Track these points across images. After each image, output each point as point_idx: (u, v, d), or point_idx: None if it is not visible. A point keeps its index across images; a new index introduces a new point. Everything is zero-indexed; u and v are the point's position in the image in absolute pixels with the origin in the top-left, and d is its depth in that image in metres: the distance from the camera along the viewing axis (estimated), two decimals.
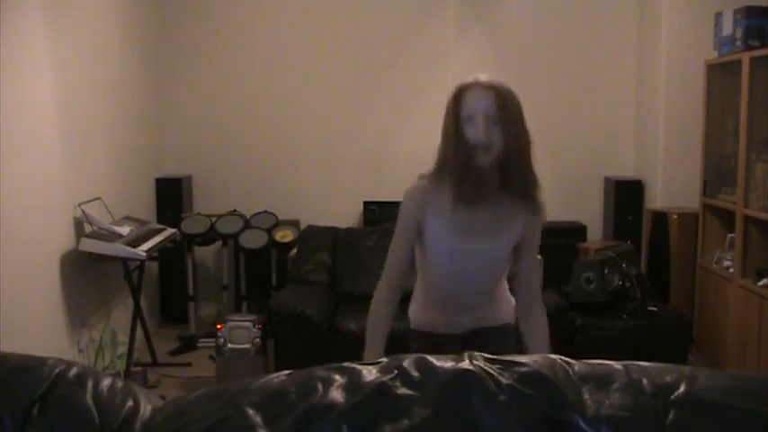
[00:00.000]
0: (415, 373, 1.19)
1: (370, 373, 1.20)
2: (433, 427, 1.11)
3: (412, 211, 2.21)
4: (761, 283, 3.90)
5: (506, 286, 2.43)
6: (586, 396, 1.15)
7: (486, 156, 2.09)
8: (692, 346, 4.47)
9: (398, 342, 2.37)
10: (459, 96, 2.13)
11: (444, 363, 1.22)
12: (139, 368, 4.24)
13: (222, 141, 5.53)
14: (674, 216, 4.76)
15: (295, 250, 4.82)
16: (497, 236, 2.21)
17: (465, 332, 2.38)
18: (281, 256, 5.04)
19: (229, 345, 4.07)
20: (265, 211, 5.15)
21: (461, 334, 2.37)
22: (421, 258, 2.31)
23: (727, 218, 4.36)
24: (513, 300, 2.41)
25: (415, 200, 2.21)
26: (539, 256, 2.38)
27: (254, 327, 4.08)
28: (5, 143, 3.19)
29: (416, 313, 2.46)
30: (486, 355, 1.24)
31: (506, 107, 2.10)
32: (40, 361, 1.29)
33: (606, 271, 4.37)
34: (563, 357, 1.24)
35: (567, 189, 5.45)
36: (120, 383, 1.29)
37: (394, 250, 2.27)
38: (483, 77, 2.14)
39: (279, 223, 5.09)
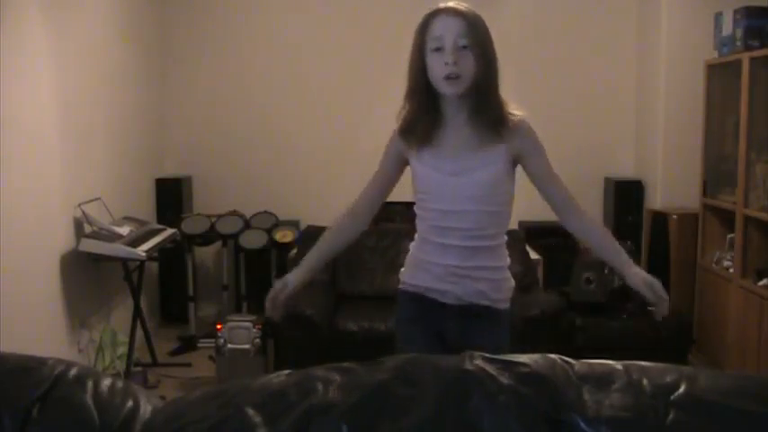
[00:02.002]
0: (414, 373, 1.19)
1: (370, 373, 1.20)
2: (433, 427, 1.11)
3: (393, 143, 2.22)
4: (761, 283, 3.90)
5: (508, 261, 2.27)
6: (586, 396, 1.15)
7: (455, 87, 2.04)
8: (692, 346, 4.48)
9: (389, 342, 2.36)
10: (425, 26, 2.07)
11: (444, 363, 1.22)
12: (139, 368, 4.24)
13: (222, 141, 5.53)
14: (674, 216, 4.76)
15: (295, 250, 4.82)
16: (480, 165, 2.10)
17: (461, 305, 2.20)
18: (281, 256, 5.03)
19: (229, 345, 4.07)
20: (265, 212, 5.15)
21: (456, 306, 2.20)
22: (416, 200, 2.25)
23: (727, 218, 4.36)
24: (513, 282, 2.30)
25: (394, 135, 2.22)
26: (554, 181, 2.16)
27: (253, 327, 4.08)
28: (5, 143, 3.19)
29: (409, 269, 2.31)
30: (485, 354, 1.24)
31: (476, 33, 2.03)
32: (40, 361, 1.29)
33: (606, 271, 4.37)
34: (563, 357, 1.24)
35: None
36: (120, 384, 1.29)
37: (374, 175, 2.29)
38: (451, 3, 2.09)
39: (279, 223, 5.08)
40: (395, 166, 2.25)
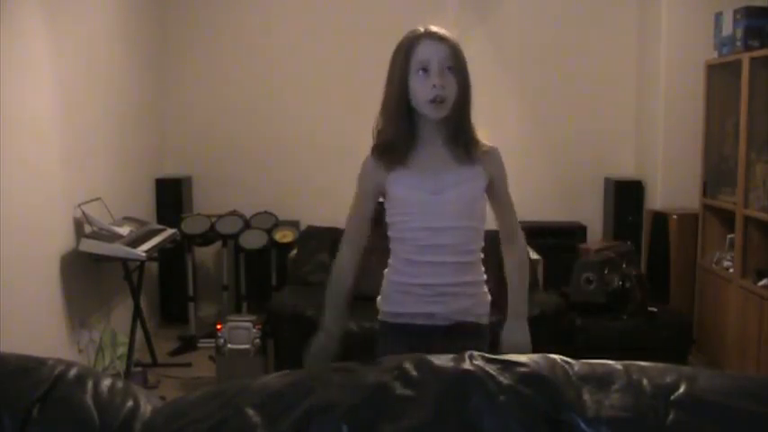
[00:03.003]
0: (414, 373, 1.19)
1: (370, 373, 1.20)
2: (433, 428, 1.11)
3: (367, 179, 2.20)
4: (761, 283, 3.90)
5: (484, 277, 2.26)
6: (586, 396, 1.15)
7: (440, 111, 2.06)
8: (692, 347, 4.48)
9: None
10: (409, 49, 2.08)
11: (444, 363, 1.22)
12: (139, 368, 4.24)
13: (222, 141, 5.53)
14: (674, 216, 4.76)
15: (295, 251, 4.82)
16: (461, 181, 2.13)
17: (448, 325, 2.18)
18: (280, 256, 5.03)
19: (229, 345, 4.07)
20: (265, 212, 5.15)
21: (444, 326, 2.18)
22: (393, 224, 2.22)
23: (727, 218, 4.36)
24: (490, 297, 2.28)
25: (366, 168, 2.20)
26: (511, 210, 2.28)
27: (253, 327, 4.08)
28: (5, 143, 3.19)
29: (389, 296, 2.27)
30: (486, 354, 1.24)
31: (458, 59, 2.08)
32: (40, 361, 1.29)
33: (606, 271, 4.37)
34: (563, 357, 1.24)
35: (567, 189, 5.45)
36: (119, 384, 1.29)
37: (353, 212, 2.26)
38: (433, 28, 2.11)
39: (279, 223, 5.09)
40: (372, 205, 2.24)
